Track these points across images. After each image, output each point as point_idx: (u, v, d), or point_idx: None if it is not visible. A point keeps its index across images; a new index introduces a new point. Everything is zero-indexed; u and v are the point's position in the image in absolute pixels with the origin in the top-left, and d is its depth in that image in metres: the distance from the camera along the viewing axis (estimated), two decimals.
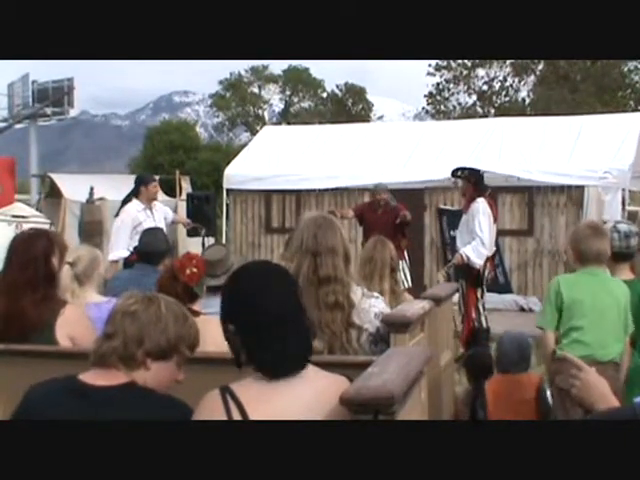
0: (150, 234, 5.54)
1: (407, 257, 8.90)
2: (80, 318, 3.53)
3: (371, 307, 3.07)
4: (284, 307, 2.10)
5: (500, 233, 11.35)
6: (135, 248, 5.50)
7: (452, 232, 11.59)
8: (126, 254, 7.16)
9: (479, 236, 7.33)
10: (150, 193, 7.96)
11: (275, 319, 2.06)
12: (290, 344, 2.05)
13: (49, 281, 3.51)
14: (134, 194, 7.98)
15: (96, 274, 4.14)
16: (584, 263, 4.07)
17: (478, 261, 7.32)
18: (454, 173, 7.77)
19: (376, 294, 3.29)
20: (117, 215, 8.06)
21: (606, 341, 3.93)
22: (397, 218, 8.79)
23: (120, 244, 7.52)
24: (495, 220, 7.71)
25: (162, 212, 8.22)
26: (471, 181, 7.55)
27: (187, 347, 2.23)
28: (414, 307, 3.30)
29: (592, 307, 3.97)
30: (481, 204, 7.41)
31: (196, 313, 3.27)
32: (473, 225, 7.37)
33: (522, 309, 10.88)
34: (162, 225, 7.46)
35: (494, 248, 7.87)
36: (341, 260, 3.05)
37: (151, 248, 5.21)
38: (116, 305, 2.25)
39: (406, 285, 8.11)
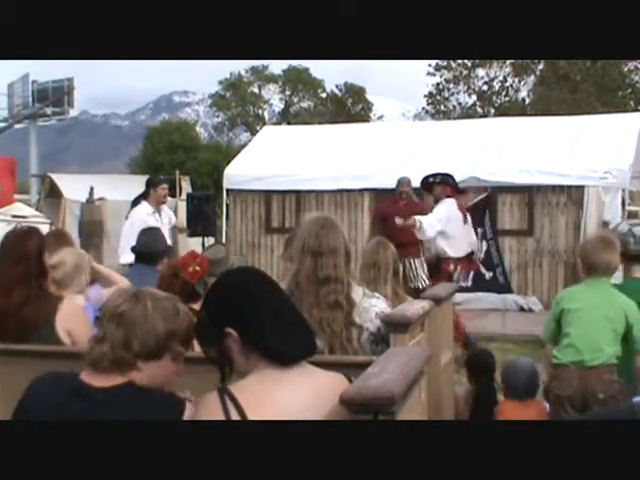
0: (148, 234, 5.54)
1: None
2: (76, 312, 3.56)
3: (372, 307, 3.08)
4: (275, 293, 2.17)
5: (500, 233, 11.40)
6: (133, 248, 5.50)
7: None
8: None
9: (436, 215, 7.58)
10: (158, 196, 7.99)
11: (273, 301, 2.12)
12: (293, 326, 2.11)
13: (42, 277, 3.53)
14: (143, 196, 8.00)
15: (76, 283, 3.98)
16: (592, 274, 4.13)
17: (428, 230, 7.42)
18: (425, 182, 7.93)
19: (377, 294, 3.30)
20: (127, 217, 8.06)
21: (596, 345, 3.94)
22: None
23: (128, 248, 7.53)
24: (465, 222, 7.78)
25: (168, 216, 8.27)
26: (450, 183, 7.73)
27: (180, 342, 2.19)
28: (414, 307, 3.30)
29: (585, 314, 4.01)
30: (446, 201, 7.68)
31: (197, 313, 3.27)
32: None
33: (522, 309, 10.88)
34: (168, 228, 7.50)
35: (469, 250, 7.86)
36: (342, 260, 3.06)
37: (149, 248, 5.22)
38: (105, 305, 2.22)
39: (423, 284, 8.10)
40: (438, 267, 7.48)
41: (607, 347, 3.95)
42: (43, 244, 3.63)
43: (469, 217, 8.02)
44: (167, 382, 2.19)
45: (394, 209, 9.08)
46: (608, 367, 3.93)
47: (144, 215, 7.72)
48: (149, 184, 8.11)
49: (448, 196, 7.71)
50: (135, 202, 8.10)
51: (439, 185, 7.79)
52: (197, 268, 3.57)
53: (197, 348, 3.35)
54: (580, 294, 4.14)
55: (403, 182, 9.30)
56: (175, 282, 3.54)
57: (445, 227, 7.53)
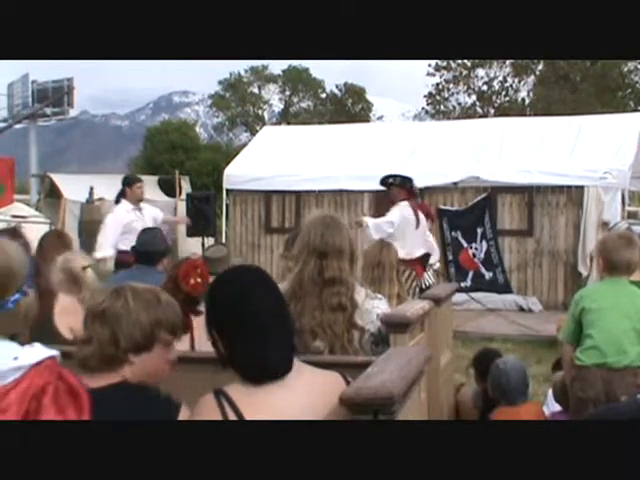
0: (148, 234, 5.53)
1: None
2: (74, 306, 3.59)
3: (374, 308, 3.06)
4: (265, 314, 2.09)
5: (500, 233, 11.39)
6: (133, 248, 5.50)
7: (453, 232, 11.62)
8: (111, 253, 7.37)
9: (388, 218, 7.65)
10: (135, 194, 8.08)
11: (255, 325, 2.06)
12: (272, 350, 2.04)
13: (38, 275, 3.59)
14: (121, 195, 8.11)
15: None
16: (613, 273, 4.04)
17: (373, 232, 7.49)
18: (384, 182, 7.99)
19: (379, 295, 3.28)
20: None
21: (620, 347, 3.87)
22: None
23: (106, 243, 7.71)
24: (418, 225, 7.79)
25: (151, 213, 8.29)
26: (406, 186, 7.86)
27: (167, 331, 2.18)
28: (414, 307, 3.30)
29: (608, 314, 3.93)
30: (401, 205, 7.73)
31: (198, 312, 3.28)
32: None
33: (522, 309, 10.87)
34: (151, 225, 7.54)
35: (419, 253, 7.83)
36: (347, 261, 3.04)
37: (149, 248, 5.21)
38: (87, 307, 2.23)
39: (427, 283, 8.08)
40: None
41: (631, 348, 3.88)
42: (27, 243, 3.77)
43: (423, 220, 8.04)
44: (161, 372, 2.19)
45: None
46: (632, 370, 3.86)
47: (122, 212, 7.92)
48: (124, 183, 8.22)
49: (403, 199, 7.79)
50: (116, 201, 8.23)
51: (396, 187, 7.87)
52: (198, 280, 3.54)
53: (196, 347, 3.36)
54: (600, 293, 4.05)
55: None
56: (178, 294, 3.51)
57: (395, 230, 7.59)
